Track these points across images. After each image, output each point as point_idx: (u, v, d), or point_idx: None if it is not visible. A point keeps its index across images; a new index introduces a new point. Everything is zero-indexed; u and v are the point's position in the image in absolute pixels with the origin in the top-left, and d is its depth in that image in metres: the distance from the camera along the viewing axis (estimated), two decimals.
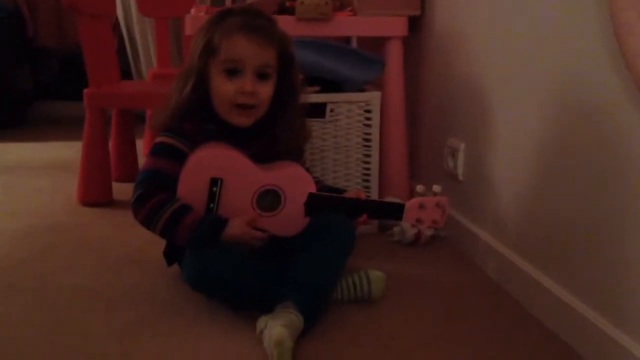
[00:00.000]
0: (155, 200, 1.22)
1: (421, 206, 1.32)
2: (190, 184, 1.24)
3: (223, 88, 1.25)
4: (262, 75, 1.26)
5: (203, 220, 1.22)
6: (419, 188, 1.34)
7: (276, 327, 1.05)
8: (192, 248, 1.21)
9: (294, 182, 1.29)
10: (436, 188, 1.33)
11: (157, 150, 1.27)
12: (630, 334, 0.99)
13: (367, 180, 1.68)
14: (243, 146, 1.29)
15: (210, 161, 1.26)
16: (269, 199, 1.28)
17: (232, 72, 1.25)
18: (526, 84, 1.29)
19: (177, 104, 1.28)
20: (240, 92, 1.24)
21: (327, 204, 1.30)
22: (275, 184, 1.28)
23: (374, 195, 1.68)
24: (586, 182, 1.10)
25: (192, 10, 1.77)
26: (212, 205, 1.25)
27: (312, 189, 1.30)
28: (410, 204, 1.32)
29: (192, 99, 1.27)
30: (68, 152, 2.62)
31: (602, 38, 1.02)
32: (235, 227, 1.22)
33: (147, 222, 1.23)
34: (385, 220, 1.40)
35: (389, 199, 1.68)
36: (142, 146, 2.57)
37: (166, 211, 1.21)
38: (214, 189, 1.24)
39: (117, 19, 3.21)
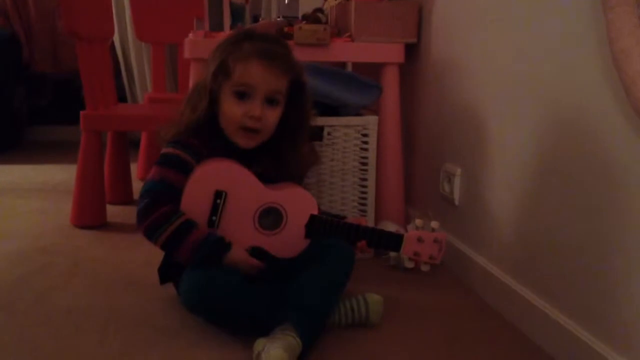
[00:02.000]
0: (160, 212, 1.21)
1: (419, 240, 1.33)
2: (195, 193, 1.24)
3: (232, 110, 1.26)
4: (270, 101, 1.28)
5: (207, 240, 1.21)
6: (418, 222, 1.35)
7: (275, 350, 1.04)
8: (193, 265, 1.21)
9: (297, 202, 1.30)
10: (434, 224, 1.35)
11: (163, 161, 1.28)
12: (630, 358, 0.99)
13: (364, 204, 1.68)
14: (247, 165, 1.29)
15: (216, 173, 1.26)
16: (271, 217, 1.28)
17: (242, 95, 1.26)
18: (521, 109, 1.31)
19: (189, 120, 1.29)
20: (248, 115, 1.25)
21: (328, 228, 1.31)
22: (278, 203, 1.28)
23: (370, 219, 1.68)
24: (583, 207, 1.11)
25: (190, 35, 1.79)
26: (214, 217, 1.25)
27: (315, 211, 1.31)
28: (409, 236, 1.33)
29: (203, 118, 1.28)
30: (62, 175, 2.62)
31: (599, 64, 1.04)
32: (238, 253, 1.22)
33: (150, 234, 1.22)
34: (383, 249, 1.41)
35: (385, 223, 1.69)
36: (136, 170, 2.57)
37: (171, 225, 1.20)
38: (218, 201, 1.25)
39: (112, 42, 3.23)
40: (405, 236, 1.33)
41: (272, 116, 1.29)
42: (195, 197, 1.24)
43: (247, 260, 1.23)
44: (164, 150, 1.29)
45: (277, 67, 1.26)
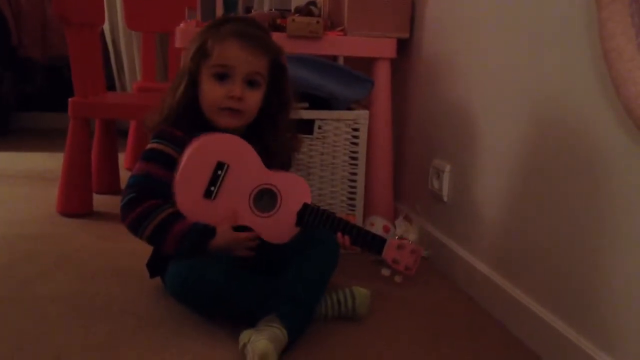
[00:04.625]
0: (145, 205, 1.21)
1: (399, 247, 1.36)
2: (197, 161, 1.24)
3: (212, 92, 1.26)
4: (251, 83, 1.27)
5: (192, 229, 1.21)
6: (399, 231, 1.37)
7: (261, 341, 1.05)
8: (180, 256, 1.20)
9: (293, 188, 1.31)
10: (412, 237, 1.37)
11: (148, 156, 1.27)
12: (613, 355, 1.00)
13: (352, 199, 1.68)
14: None
15: (221, 144, 1.26)
16: (266, 199, 1.29)
17: (222, 76, 1.26)
18: (511, 107, 1.31)
19: (171, 105, 1.29)
20: (229, 96, 1.25)
21: (319, 219, 1.32)
22: (275, 186, 1.28)
23: (359, 214, 1.68)
24: (570, 206, 1.11)
25: (182, 25, 1.77)
26: (212, 188, 1.24)
27: (308, 199, 1.32)
28: (391, 243, 1.35)
29: (184, 101, 1.28)
30: (49, 162, 2.59)
31: (590, 62, 1.04)
32: (223, 236, 1.22)
33: (135, 227, 1.22)
34: (366, 250, 1.42)
35: (374, 218, 1.69)
36: (123, 159, 2.55)
37: (156, 217, 1.20)
38: (219, 172, 1.24)
39: (102, 30, 3.20)
40: (387, 241, 1.35)
41: (253, 98, 1.28)
42: (196, 165, 1.24)
43: (236, 238, 1.23)
44: (149, 145, 1.29)
45: (255, 47, 1.26)
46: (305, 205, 1.31)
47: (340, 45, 1.75)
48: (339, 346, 1.17)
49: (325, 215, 1.32)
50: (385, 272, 1.39)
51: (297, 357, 1.11)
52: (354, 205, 1.68)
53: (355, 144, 1.66)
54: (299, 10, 1.90)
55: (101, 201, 2.02)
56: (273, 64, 1.30)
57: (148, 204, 1.21)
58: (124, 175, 2.28)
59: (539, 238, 1.21)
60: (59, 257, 1.55)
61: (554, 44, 1.16)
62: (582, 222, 1.08)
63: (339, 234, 1.33)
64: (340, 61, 2.17)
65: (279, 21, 1.74)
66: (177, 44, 1.70)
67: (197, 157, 1.24)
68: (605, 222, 1.03)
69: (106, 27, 3.23)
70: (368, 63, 1.78)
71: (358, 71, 1.66)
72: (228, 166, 1.24)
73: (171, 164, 1.25)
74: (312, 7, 1.91)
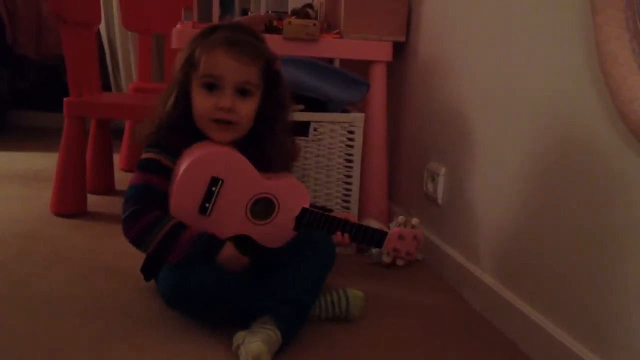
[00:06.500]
0: (149, 218, 1.18)
1: (400, 237, 1.35)
2: (190, 178, 1.21)
3: (201, 103, 1.24)
4: (242, 92, 1.24)
5: (200, 239, 1.19)
6: (401, 219, 1.37)
7: (255, 343, 1.05)
8: (184, 263, 1.18)
9: (290, 193, 1.30)
10: (415, 221, 1.37)
11: (144, 166, 1.25)
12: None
13: (347, 201, 1.68)
14: None
15: (214, 159, 1.24)
16: (263, 207, 1.28)
17: (211, 86, 1.23)
18: (507, 111, 1.31)
19: (161, 116, 1.26)
20: (218, 107, 1.22)
21: (318, 222, 1.31)
22: (272, 193, 1.28)
23: (354, 217, 1.68)
24: (564, 209, 1.12)
25: (178, 26, 1.77)
26: (207, 204, 1.23)
27: (306, 203, 1.31)
28: (392, 234, 1.35)
29: (174, 112, 1.26)
30: (44, 162, 2.58)
31: (586, 67, 1.05)
32: (229, 250, 1.21)
33: (139, 240, 1.19)
34: (366, 245, 1.42)
35: (369, 221, 1.69)
36: (118, 159, 2.55)
37: (161, 230, 1.17)
38: (213, 188, 1.22)
39: (98, 30, 3.19)
40: (389, 233, 1.35)
41: (246, 108, 1.25)
42: (189, 182, 1.21)
43: (239, 257, 1.22)
44: (144, 155, 1.27)
45: (244, 55, 1.22)
46: (304, 210, 1.30)
47: (336, 48, 1.75)
48: (331, 348, 1.17)
49: (324, 218, 1.31)
50: (387, 258, 1.39)
51: (290, 358, 1.11)
52: (348, 208, 1.68)
53: (351, 146, 1.66)
54: (296, 13, 1.91)
55: (95, 201, 2.01)
56: (266, 70, 1.27)
57: (151, 217, 1.18)
58: (119, 176, 2.28)
59: (534, 241, 1.21)
60: (53, 256, 1.55)
61: (549, 48, 1.17)
62: (576, 224, 1.09)
63: (338, 233, 1.32)
64: (337, 64, 2.18)
65: (275, 23, 1.75)
66: (174, 45, 1.70)
67: (190, 174, 1.21)
68: (600, 221, 1.03)
69: (102, 26, 3.23)
70: (364, 66, 1.78)
71: (354, 74, 1.67)
72: (222, 181, 1.23)
73: (166, 172, 1.23)
74: (309, 10, 1.91)
